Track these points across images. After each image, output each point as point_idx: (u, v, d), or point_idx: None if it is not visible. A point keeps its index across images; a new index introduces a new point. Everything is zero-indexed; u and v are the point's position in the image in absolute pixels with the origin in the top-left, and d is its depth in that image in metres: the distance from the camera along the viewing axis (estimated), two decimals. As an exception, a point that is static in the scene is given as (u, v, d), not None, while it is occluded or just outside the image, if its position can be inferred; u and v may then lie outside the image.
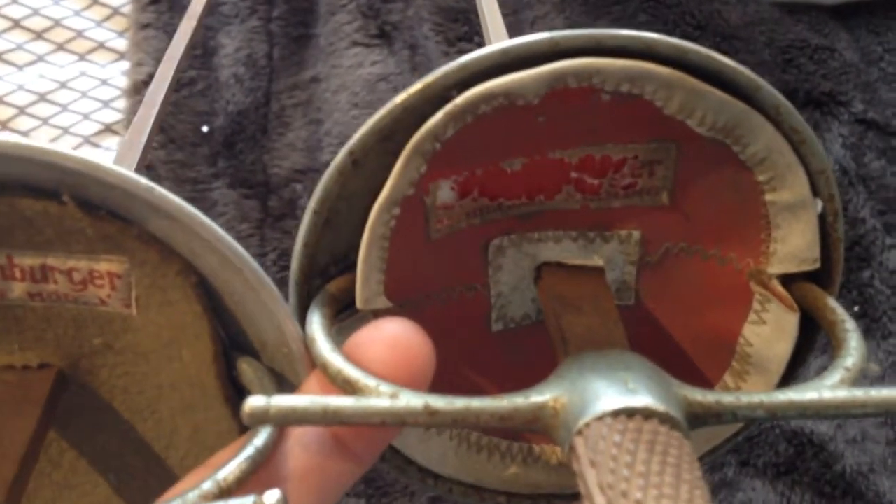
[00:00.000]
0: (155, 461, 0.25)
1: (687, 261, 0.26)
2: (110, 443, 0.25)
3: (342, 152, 0.22)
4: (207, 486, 0.19)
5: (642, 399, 0.19)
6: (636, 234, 0.25)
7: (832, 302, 0.23)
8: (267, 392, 0.22)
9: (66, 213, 0.21)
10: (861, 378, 0.21)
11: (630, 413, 0.19)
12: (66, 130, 0.45)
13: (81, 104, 0.46)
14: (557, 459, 0.26)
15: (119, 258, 0.22)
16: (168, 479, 0.25)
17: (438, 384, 0.21)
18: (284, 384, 0.23)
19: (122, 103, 0.46)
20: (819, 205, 0.23)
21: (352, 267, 0.23)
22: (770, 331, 0.25)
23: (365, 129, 0.22)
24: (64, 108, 0.46)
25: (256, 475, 0.20)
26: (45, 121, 0.45)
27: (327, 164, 0.37)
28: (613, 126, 0.23)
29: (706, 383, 0.26)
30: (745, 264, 0.25)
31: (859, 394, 0.20)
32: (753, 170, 0.23)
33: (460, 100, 0.21)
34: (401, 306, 0.24)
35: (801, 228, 0.23)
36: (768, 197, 0.23)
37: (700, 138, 0.23)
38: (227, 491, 0.19)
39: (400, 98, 0.21)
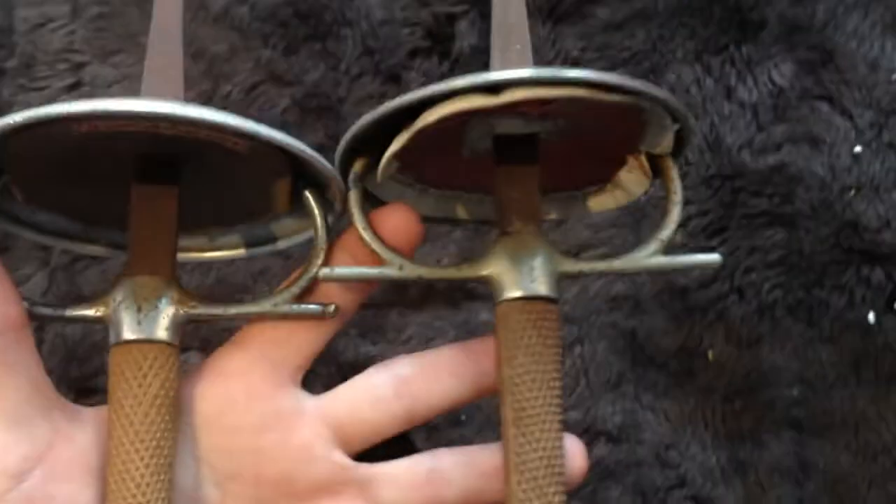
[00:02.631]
0: None
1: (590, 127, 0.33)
2: None
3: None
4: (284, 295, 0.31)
5: (540, 289, 0.31)
6: (561, 121, 0.32)
7: (676, 174, 0.33)
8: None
9: None
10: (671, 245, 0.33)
11: (528, 299, 0.31)
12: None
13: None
14: None
15: None
16: None
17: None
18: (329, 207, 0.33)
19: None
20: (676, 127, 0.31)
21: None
22: (634, 177, 0.34)
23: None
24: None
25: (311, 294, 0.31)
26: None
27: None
28: None
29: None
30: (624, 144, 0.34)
31: (665, 259, 0.32)
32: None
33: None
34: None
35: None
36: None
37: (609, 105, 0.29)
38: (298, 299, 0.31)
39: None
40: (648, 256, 0.32)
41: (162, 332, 0.30)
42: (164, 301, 0.30)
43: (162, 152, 0.31)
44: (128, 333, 0.30)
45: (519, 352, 0.30)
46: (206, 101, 0.50)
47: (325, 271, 0.31)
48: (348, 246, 0.31)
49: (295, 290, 0.31)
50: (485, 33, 0.51)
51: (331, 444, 0.31)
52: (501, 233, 0.32)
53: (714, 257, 0.32)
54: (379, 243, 0.31)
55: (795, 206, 0.50)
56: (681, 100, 0.40)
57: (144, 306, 0.30)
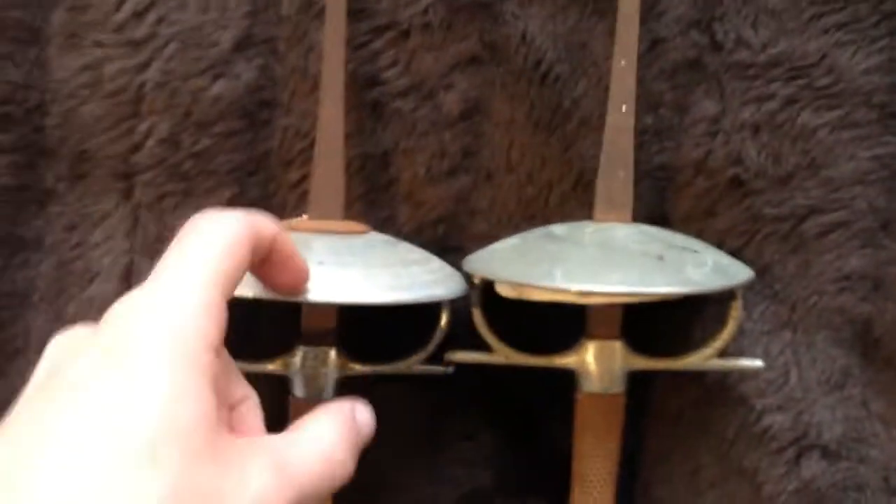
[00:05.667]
0: None
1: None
2: None
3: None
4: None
5: (613, 388, 0.39)
6: None
7: (740, 302, 0.38)
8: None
9: None
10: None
11: (602, 395, 0.39)
12: None
13: None
14: None
15: None
16: None
17: None
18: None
19: None
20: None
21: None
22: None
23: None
24: None
25: None
26: None
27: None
28: None
29: None
30: None
31: (720, 361, 0.39)
32: None
33: None
34: None
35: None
36: None
37: None
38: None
39: None
40: (705, 359, 0.39)
41: (328, 395, 0.38)
42: (330, 368, 0.38)
43: None
44: (299, 392, 0.38)
45: (588, 432, 0.39)
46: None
47: (450, 356, 0.40)
48: None
49: (423, 355, 0.39)
50: None
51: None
52: (588, 335, 0.39)
53: (756, 363, 0.39)
54: (494, 339, 0.39)
55: None
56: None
57: (314, 374, 0.38)
